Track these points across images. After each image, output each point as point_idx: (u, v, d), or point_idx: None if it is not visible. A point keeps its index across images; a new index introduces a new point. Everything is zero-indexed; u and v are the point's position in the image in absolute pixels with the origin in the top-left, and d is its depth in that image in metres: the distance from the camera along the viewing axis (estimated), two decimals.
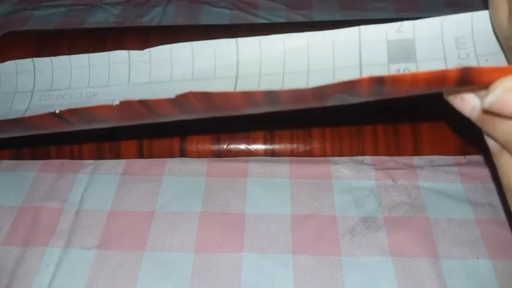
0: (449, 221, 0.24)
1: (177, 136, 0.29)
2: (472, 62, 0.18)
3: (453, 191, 0.26)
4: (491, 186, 0.26)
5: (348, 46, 0.19)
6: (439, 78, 0.14)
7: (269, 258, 0.23)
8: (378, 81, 0.14)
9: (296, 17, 0.40)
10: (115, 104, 0.17)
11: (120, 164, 0.28)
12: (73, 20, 0.41)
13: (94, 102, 0.22)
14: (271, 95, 0.16)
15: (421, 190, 0.26)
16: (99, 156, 0.29)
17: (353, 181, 0.27)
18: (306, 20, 0.40)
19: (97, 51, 0.30)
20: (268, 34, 0.29)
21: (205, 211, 0.25)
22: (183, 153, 0.28)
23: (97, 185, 0.27)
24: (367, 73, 0.19)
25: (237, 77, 0.21)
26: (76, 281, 0.23)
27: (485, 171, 0.27)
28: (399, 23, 0.19)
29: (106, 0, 0.43)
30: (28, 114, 0.22)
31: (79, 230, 0.25)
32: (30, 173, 0.28)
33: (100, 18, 0.41)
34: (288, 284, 0.22)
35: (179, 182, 0.27)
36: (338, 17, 0.40)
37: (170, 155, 0.28)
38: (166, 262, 0.23)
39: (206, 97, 0.17)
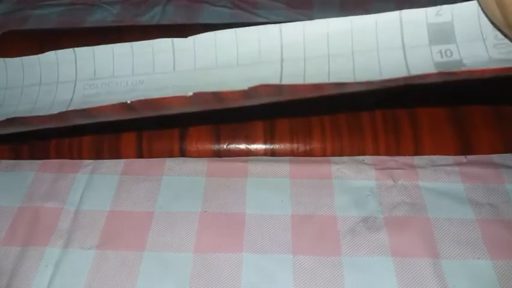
0: (450, 221, 0.24)
1: (177, 136, 0.29)
2: (509, 42, 0.18)
3: (454, 191, 0.26)
4: (492, 186, 0.26)
5: (390, 28, 0.20)
6: (505, 71, 0.16)
7: (269, 259, 0.23)
8: (450, 74, 0.16)
9: (297, 16, 0.40)
10: (188, 95, 0.18)
11: (119, 164, 0.28)
12: (72, 19, 0.41)
13: (141, 89, 0.22)
14: (339, 87, 0.18)
15: (422, 190, 0.26)
16: (98, 156, 0.28)
17: (354, 181, 0.27)
18: (307, 19, 0.39)
19: None
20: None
21: (205, 211, 0.25)
22: (183, 153, 0.28)
23: (97, 185, 0.27)
24: (410, 55, 0.20)
25: (282, 60, 0.21)
26: (76, 281, 0.23)
27: (485, 171, 0.27)
28: (438, 7, 0.20)
29: None
30: (74, 103, 0.23)
31: (79, 230, 0.25)
32: (30, 173, 0.28)
33: (99, 18, 0.41)
34: (288, 284, 0.22)
35: (179, 182, 0.27)
36: (339, 15, 0.40)
37: (170, 154, 0.28)
38: (165, 262, 0.23)
39: (277, 88, 0.18)
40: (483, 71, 0.16)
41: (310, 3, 0.41)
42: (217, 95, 0.18)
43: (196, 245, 0.24)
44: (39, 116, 0.21)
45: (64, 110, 0.21)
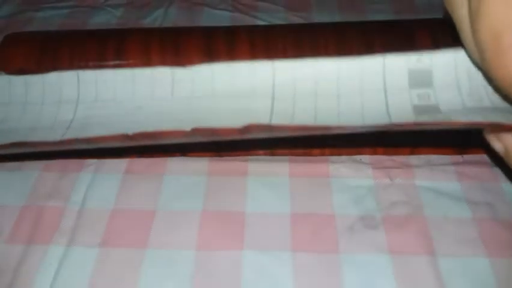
0: (447, 219, 0.25)
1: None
2: (481, 92, 0.20)
3: (450, 190, 0.26)
4: (489, 185, 0.26)
5: (374, 72, 0.21)
6: (472, 125, 0.17)
7: (269, 256, 0.23)
8: (419, 124, 0.18)
9: (295, 18, 0.40)
10: (187, 130, 0.19)
11: (122, 163, 0.28)
12: (75, 21, 0.41)
13: (140, 114, 0.23)
14: (324, 129, 0.19)
15: (419, 189, 0.26)
16: (101, 155, 0.29)
17: (351, 180, 0.27)
18: (306, 21, 0.40)
19: (99, 52, 0.30)
20: (268, 35, 0.30)
21: (206, 209, 0.26)
22: (184, 153, 0.29)
23: (99, 183, 0.27)
24: (391, 98, 0.21)
25: (273, 95, 0.22)
26: (79, 278, 0.23)
27: (482, 170, 0.27)
28: (418, 54, 0.21)
29: (109, 2, 0.43)
30: (74, 124, 0.23)
31: (82, 229, 0.25)
32: (33, 173, 0.28)
33: (102, 20, 0.41)
34: (287, 280, 0.22)
35: (180, 181, 0.27)
36: (337, 18, 0.40)
37: (172, 154, 0.29)
38: (167, 260, 0.23)
39: (268, 128, 0.20)
40: (450, 123, 0.18)
41: (309, 5, 0.42)
42: (213, 131, 0.19)
43: (197, 243, 0.24)
44: (41, 142, 0.22)
45: (64, 129, 0.23)
